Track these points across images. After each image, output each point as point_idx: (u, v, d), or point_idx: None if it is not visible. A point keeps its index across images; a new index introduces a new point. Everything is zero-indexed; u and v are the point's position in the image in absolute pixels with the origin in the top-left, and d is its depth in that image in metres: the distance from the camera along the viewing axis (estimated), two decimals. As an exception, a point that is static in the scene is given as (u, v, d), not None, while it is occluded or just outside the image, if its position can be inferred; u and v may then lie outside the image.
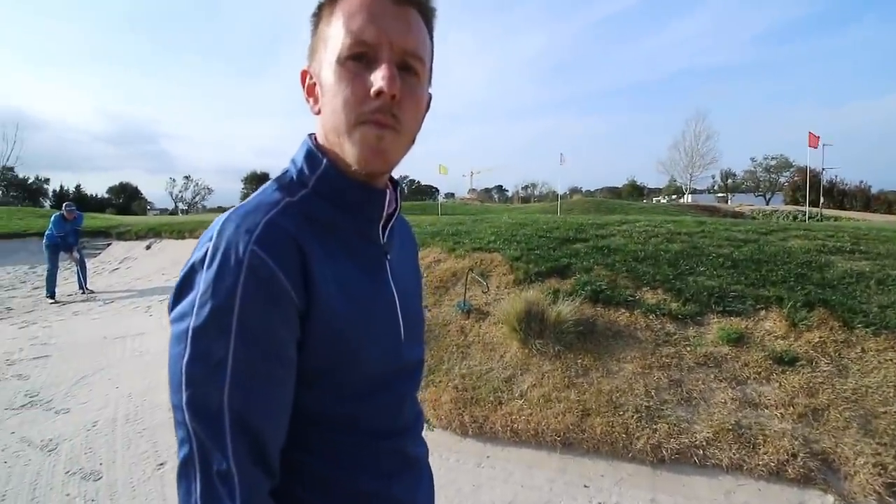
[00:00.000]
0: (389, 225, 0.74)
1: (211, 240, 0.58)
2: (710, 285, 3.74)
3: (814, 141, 15.83)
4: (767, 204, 47.40)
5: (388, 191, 0.71)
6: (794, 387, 2.82)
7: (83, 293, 8.56)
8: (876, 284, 3.57)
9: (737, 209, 33.24)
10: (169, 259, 10.33)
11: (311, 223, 0.64)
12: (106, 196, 68.18)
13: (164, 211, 68.57)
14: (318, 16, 0.66)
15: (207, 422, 0.54)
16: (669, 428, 2.73)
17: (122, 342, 5.81)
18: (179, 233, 11.23)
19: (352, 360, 0.64)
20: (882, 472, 2.35)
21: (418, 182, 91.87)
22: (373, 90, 0.60)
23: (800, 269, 3.90)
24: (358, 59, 0.61)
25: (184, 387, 0.55)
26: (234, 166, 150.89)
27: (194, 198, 74.51)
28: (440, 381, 3.41)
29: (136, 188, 72.95)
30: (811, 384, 2.82)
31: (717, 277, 3.87)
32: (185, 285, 0.59)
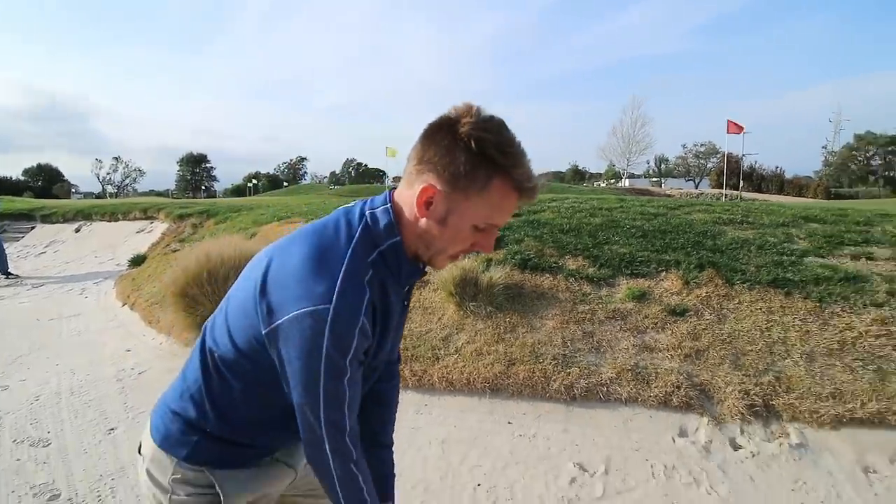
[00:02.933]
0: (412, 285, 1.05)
1: (338, 283, 0.82)
2: (622, 252, 4.25)
3: (733, 128, 17.18)
4: (696, 188, 50.57)
5: (420, 265, 0.98)
6: (682, 333, 3.34)
7: (6, 278, 8.16)
8: (756, 249, 4.19)
9: (668, 192, 35.40)
10: (102, 242, 9.94)
11: (379, 282, 0.89)
12: (21, 178, 62.73)
13: (88, 195, 63.95)
14: (474, 165, 0.82)
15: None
16: (580, 371, 3.17)
17: (57, 323, 5.69)
18: (112, 215, 10.80)
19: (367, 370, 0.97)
20: (745, 396, 2.88)
21: (365, 165, 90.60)
22: (479, 250, 0.94)
23: (697, 237, 4.49)
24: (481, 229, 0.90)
25: (322, 385, 0.83)
26: (168, 147, 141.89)
27: (124, 180, 70.02)
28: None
29: (58, 170, 67.61)
30: (696, 330, 3.35)
31: (629, 245, 4.39)
32: (312, 317, 0.80)
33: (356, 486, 0.91)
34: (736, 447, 2.66)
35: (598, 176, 78.92)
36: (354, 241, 0.87)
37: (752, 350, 3.18)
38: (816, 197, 33.16)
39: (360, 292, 0.83)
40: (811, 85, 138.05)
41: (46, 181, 63.90)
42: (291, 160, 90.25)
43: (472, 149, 0.81)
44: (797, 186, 38.14)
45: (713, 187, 40.57)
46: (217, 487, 0.98)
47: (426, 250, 0.92)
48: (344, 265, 0.83)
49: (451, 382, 3.30)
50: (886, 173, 47.06)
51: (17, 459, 2.87)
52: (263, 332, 0.85)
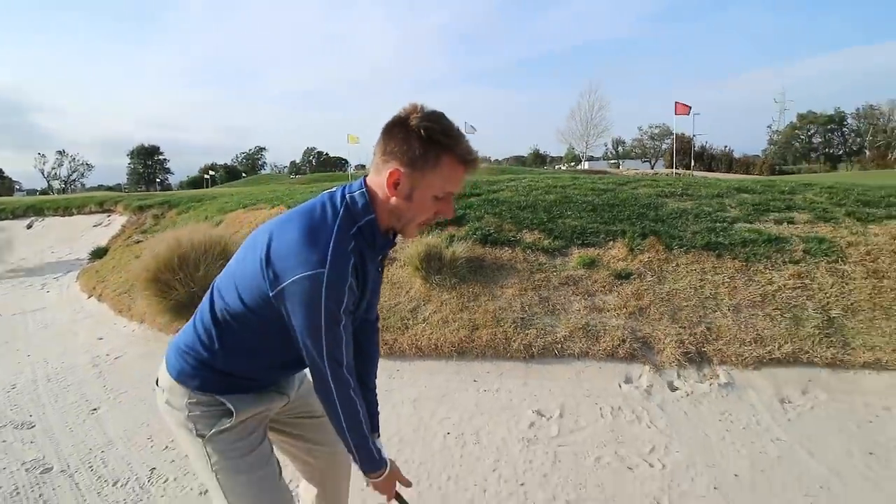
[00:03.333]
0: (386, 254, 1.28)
1: (329, 252, 1.03)
2: (574, 225, 4.59)
3: (681, 109, 17.92)
4: (652, 168, 52.24)
5: (391, 237, 1.21)
6: (627, 294, 3.71)
7: (-42, 277, 7.89)
8: (693, 217, 4.61)
9: (625, 173, 36.52)
10: (57, 237, 9.67)
11: (359, 251, 1.11)
12: (-45, 177, 58.83)
13: (32, 192, 60.49)
14: (426, 149, 1.05)
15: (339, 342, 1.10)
16: (538, 332, 3.49)
17: (21, 317, 5.64)
18: (66, 209, 10.47)
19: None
20: (681, 345, 3.27)
21: (326, 154, 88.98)
22: (442, 216, 1.17)
23: (641, 209, 4.88)
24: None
25: (324, 331, 1.06)
26: (117, 140, 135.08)
27: (71, 175, 66.54)
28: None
29: (-3, 167, 63.69)
30: (639, 291, 3.72)
31: (580, 219, 4.74)
32: (311, 280, 1.02)
33: (354, 409, 1.17)
34: (673, 389, 3.04)
35: (558, 159, 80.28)
36: (339, 219, 1.09)
37: (687, 305, 3.57)
38: (762, 174, 34.90)
39: (346, 259, 1.06)
40: (752, 68, 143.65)
41: (-16, 179, 60.14)
42: (249, 150, 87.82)
43: (422, 136, 1.05)
44: (745, 164, 40.08)
45: (667, 167, 42.10)
46: (228, 404, 1.23)
47: (397, 222, 1.15)
48: (332, 238, 1.06)
49: (420, 349, 3.56)
50: (826, 150, 49.87)
51: (4, 441, 2.96)
52: (271, 294, 1.07)
